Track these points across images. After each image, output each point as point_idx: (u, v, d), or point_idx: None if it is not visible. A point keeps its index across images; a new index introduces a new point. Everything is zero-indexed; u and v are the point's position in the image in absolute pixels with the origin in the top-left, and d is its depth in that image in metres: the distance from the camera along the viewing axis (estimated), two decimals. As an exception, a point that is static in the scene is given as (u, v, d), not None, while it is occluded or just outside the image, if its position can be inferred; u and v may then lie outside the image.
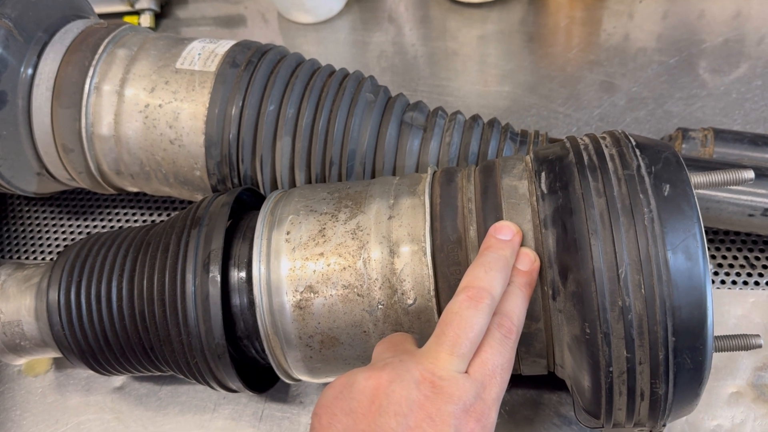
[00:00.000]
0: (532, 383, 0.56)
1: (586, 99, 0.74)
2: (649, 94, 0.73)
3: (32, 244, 0.72)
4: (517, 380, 0.56)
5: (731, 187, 0.56)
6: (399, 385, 0.36)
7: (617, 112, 0.72)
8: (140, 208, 0.73)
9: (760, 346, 0.44)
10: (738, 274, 0.60)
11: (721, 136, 0.61)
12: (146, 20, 0.87)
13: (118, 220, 0.73)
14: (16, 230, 0.73)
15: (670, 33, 0.80)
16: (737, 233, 0.62)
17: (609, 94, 0.74)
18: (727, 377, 0.55)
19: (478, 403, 0.37)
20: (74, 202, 0.74)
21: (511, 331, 0.40)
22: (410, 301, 0.45)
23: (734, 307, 0.58)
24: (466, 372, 0.38)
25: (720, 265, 0.61)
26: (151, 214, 0.72)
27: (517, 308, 0.40)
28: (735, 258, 0.61)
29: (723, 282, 0.60)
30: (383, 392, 0.36)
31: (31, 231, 0.73)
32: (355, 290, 0.46)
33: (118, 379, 0.61)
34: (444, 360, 0.37)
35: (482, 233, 0.44)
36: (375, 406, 0.36)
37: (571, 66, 0.77)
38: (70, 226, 0.73)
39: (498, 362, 0.39)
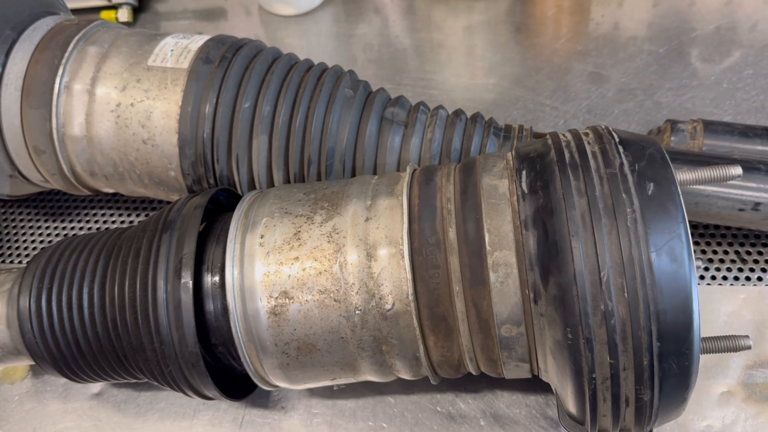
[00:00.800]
0: (518, 385, 0.54)
1: (573, 91, 0.72)
2: (638, 84, 0.71)
3: (8, 247, 0.70)
4: (502, 382, 0.54)
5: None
6: None
7: (605, 103, 0.70)
8: (117, 208, 0.71)
9: (749, 348, 0.43)
10: (729, 270, 0.59)
11: (711, 128, 0.59)
12: (124, 15, 0.85)
13: (96, 221, 0.71)
14: (-9, 233, 0.72)
15: (660, 21, 0.78)
16: (727, 228, 0.61)
17: (597, 86, 0.72)
18: (717, 376, 0.53)
19: None
20: (50, 203, 0.73)
21: None
22: (388, 306, 0.43)
23: (724, 304, 0.56)
24: None
25: (710, 261, 0.59)
26: (129, 215, 0.71)
27: None
28: (725, 253, 0.60)
29: (713, 278, 0.58)
30: None
31: (7, 234, 0.71)
32: (332, 295, 0.44)
33: (96, 386, 0.60)
34: None
35: (462, 235, 0.42)
36: None
37: (558, 57, 0.76)
38: (47, 228, 0.71)
39: None
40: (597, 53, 0.76)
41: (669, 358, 0.37)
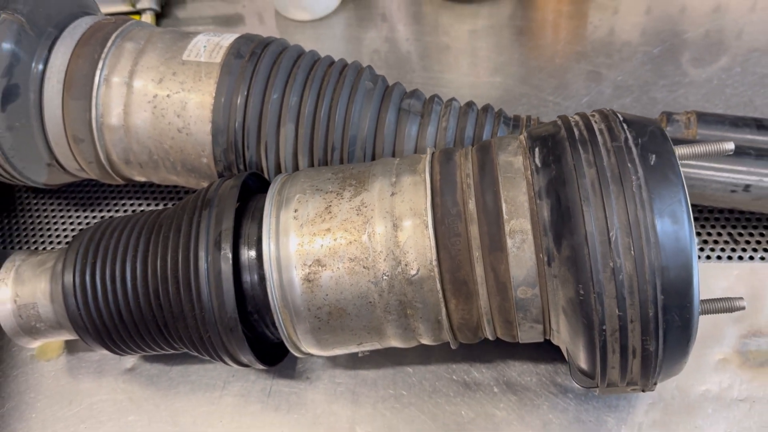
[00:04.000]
0: (528, 355, 0.58)
1: (574, 88, 0.77)
2: (634, 82, 0.76)
3: (41, 236, 0.74)
4: (514, 351, 0.58)
5: (714, 164, 0.59)
6: None
7: (604, 99, 0.75)
8: (146, 198, 0.75)
9: (743, 308, 0.47)
10: (722, 249, 0.63)
11: (704, 118, 0.64)
12: (147, 20, 0.90)
13: (125, 210, 0.75)
14: (24, 222, 0.75)
15: (653, 25, 0.84)
16: (721, 210, 0.65)
17: (596, 83, 0.77)
18: (713, 345, 0.58)
19: None
20: (82, 193, 0.77)
21: None
22: (413, 272, 0.47)
23: (719, 280, 0.61)
24: None
25: (705, 242, 0.64)
26: (157, 204, 0.75)
27: None
28: (719, 234, 0.64)
29: (708, 257, 0.63)
30: None
31: (39, 222, 0.75)
32: (361, 263, 0.48)
33: (129, 361, 0.63)
34: None
35: (480, 206, 0.46)
36: None
37: (559, 57, 0.81)
38: (78, 217, 0.75)
39: None
40: (595, 54, 0.80)
41: (672, 310, 0.41)
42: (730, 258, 0.62)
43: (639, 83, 0.76)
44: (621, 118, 0.46)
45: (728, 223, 0.65)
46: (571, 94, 0.76)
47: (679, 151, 0.46)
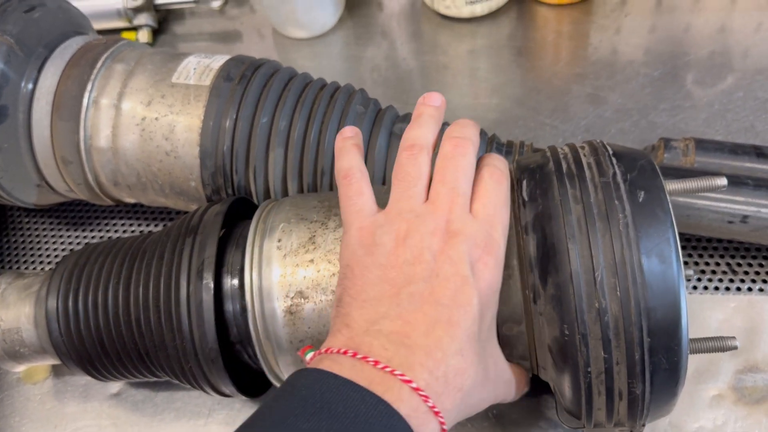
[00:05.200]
0: (518, 387, 0.57)
1: (572, 111, 0.76)
2: (634, 105, 0.75)
3: (31, 254, 0.74)
4: (504, 384, 0.57)
5: (710, 194, 0.58)
6: (418, 239, 0.41)
7: (603, 123, 0.74)
8: (137, 218, 0.75)
9: (735, 348, 0.45)
10: (720, 280, 0.62)
11: (702, 145, 0.63)
12: (144, 36, 0.89)
13: (116, 231, 0.74)
14: (15, 241, 0.75)
15: (656, 46, 0.82)
16: (719, 240, 0.64)
17: (595, 106, 0.76)
18: (708, 380, 0.56)
19: (488, 240, 0.42)
20: (73, 213, 0.76)
21: (502, 175, 0.45)
22: (397, 306, 0.46)
23: (716, 312, 0.59)
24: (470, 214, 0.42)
25: (702, 272, 0.62)
26: (147, 225, 0.74)
27: (499, 160, 0.46)
28: (717, 264, 0.63)
29: (705, 288, 0.61)
30: (405, 246, 0.41)
31: (30, 242, 0.75)
32: (344, 295, 0.47)
33: (115, 386, 0.62)
34: (451, 203, 0.42)
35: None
36: (401, 258, 0.41)
37: (558, 79, 0.79)
38: (69, 236, 0.75)
39: (497, 201, 0.43)
40: (595, 76, 0.79)
41: (659, 352, 0.40)
42: (727, 289, 0.61)
43: (639, 107, 0.74)
44: (610, 152, 0.45)
45: (726, 252, 0.63)
46: (569, 117, 0.75)
47: (670, 186, 0.45)
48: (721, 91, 0.75)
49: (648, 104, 0.75)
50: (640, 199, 0.42)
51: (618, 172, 0.43)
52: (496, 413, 0.56)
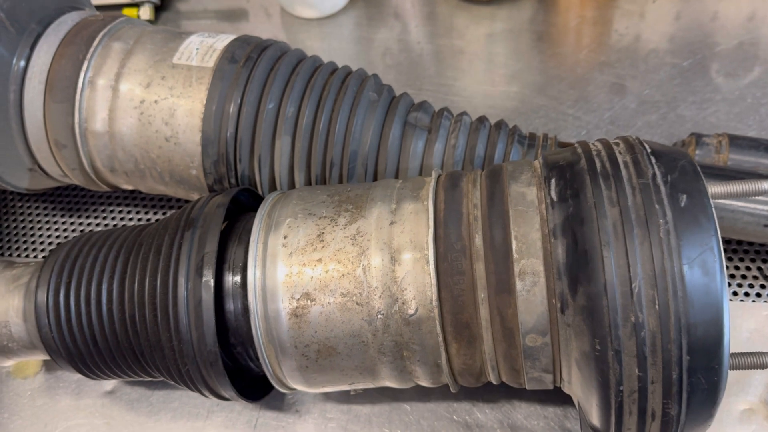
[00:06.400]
0: (536, 396, 0.54)
1: (596, 101, 0.72)
2: (661, 97, 0.71)
3: (24, 241, 0.70)
4: (520, 393, 0.54)
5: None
6: None
7: (628, 115, 0.70)
8: (135, 206, 0.71)
9: (776, 365, 0.42)
10: (751, 286, 0.58)
11: (736, 142, 0.59)
12: (146, 13, 0.85)
13: (113, 218, 0.71)
14: (8, 226, 0.72)
15: (683, 34, 0.78)
16: (751, 244, 0.60)
17: (620, 97, 0.72)
18: (738, 393, 0.53)
19: None
20: (68, 198, 0.73)
21: None
22: (411, 311, 0.43)
23: (747, 321, 0.56)
24: None
25: (732, 276, 0.59)
26: (146, 213, 0.71)
27: None
28: (748, 269, 0.59)
29: (735, 294, 0.58)
30: None
31: (23, 228, 0.71)
32: (354, 298, 0.44)
33: (109, 383, 0.59)
34: None
35: (488, 242, 0.42)
36: None
37: (581, 67, 0.75)
38: (63, 223, 0.71)
39: None
40: (620, 64, 0.75)
41: (698, 372, 0.37)
42: (758, 296, 0.57)
43: (666, 99, 0.70)
44: (648, 150, 0.41)
45: (758, 256, 0.59)
46: (592, 108, 0.71)
47: (712, 189, 0.41)
48: (753, 83, 0.71)
49: (676, 96, 0.71)
50: (682, 204, 0.38)
51: (658, 173, 0.39)
52: (511, 422, 0.53)
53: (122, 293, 0.49)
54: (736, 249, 0.60)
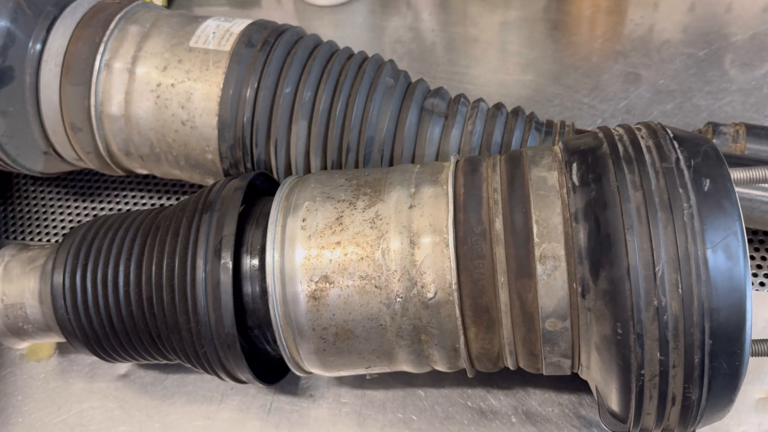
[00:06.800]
0: (551, 383, 0.54)
1: (611, 90, 0.71)
2: (676, 87, 0.71)
3: (37, 225, 0.70)
4: (535, 379, 0.54)
5: (764, 185, 0.54)
6: None
7: (643, 104, 0.69)
8: (149, 191, 0.71)
9: (797, 352, 0.42)
10: (766, 276, 0.58)
11: (754, 132, 0.59)
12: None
13: (126, 203, 0.71)
14: (21, 210, 0.72)
15: (697, 25, 0.78)
16: (765, 233, 0.60)
17: (635, 86, 0.71)
18: (754, 382, 0.53)
19: None
20: (81, 183, 0.73)
21: None
22: (430, 295, 0.43)
23: (762, 310, 0.56)
24: None
25: (748, 266, 0.58)
26: (159, 198, 0.71)
27: None
28: (763, 259, 0.59)
29: (751, 283, 0.57)
30: None
31: (36, 211, 0.71)
32: (373, 282, 0.44)
33: (123, 367, 0.59)
34: None
35: (508, 226, 0.42)
36: None
37: (596, 56, 0.75)
38: (76, 207, 0.71)
39: None
40: (634, 54, 0.75)
41: (720, 357, 0.37)
42: (775, 285, 0.57)
43: (682, 88, 0.70)
44: (671, 135, 0.41)
45: (774, 246, 0.59)
46: (607, 97, 0.70)
47: (735, 175, 0.41)
48: (767, 73, 0.71)
49: (692, 86, 0.70)
50: (706, 188, 0.38)
51: (681, 157, 0.39)
52: (526, 409, 0.53)
53: (140, 275, 0.49)
54: (752, 239, 0.60)
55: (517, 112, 0.58)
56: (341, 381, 0.56)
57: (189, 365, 0.50)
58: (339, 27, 0.83)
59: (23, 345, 0.56)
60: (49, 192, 0.73)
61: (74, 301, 0.51)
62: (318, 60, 0.56)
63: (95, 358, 0.59)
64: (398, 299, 0.43)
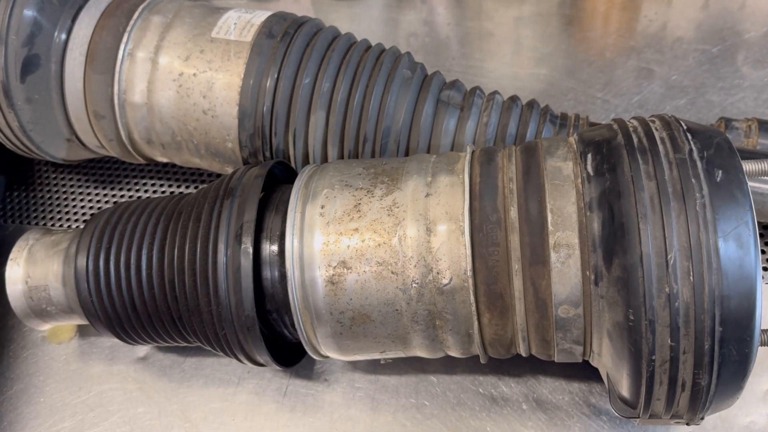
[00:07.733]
0: (561, 371, 0.55)
1: (624, 85, 0.72)
2: (689, 82, 0.71)
3: (58, 212, 0.72)
4: (546, 368, 0.55)
5: (776, 179, 0.54)
6: None
7: (656, 99, 0.70)
8: (168, 179, 0.72)
9: (806, 341, 0.43)
10: (775, 269, 0.59)
11: (766, 127, 0.59)
12: (178, -9, 0.86)
13: (146, 191, 0.72)
14: (42, 197, 0.73)
15: (711, 22, 0.78)
16: (777, 227, 0.61)
17: (648, 81, 0.72)
18: (762, 373, 0.53)
19: None
20: (102, 170, 0.74)
21: None
22: (445, 281, 0.44)
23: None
24: None
25: (758, 260, 0.59)
26: (179, 186, 0.72)
27: None
28: (774, 252, 0.60)
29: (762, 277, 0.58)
30: None
31: (57, 198, 0.73)
32: (390, 267, 0.45)
33: (142, 350, 0.61)
34: None
35: (523, 214, 0.43)
36: None
37: (609, 51, 0.76)
38: (97, 194, 0.72)
39: None
40: (648, 50, 0.76)
41: (730, 343, 0.38)
42: (784, 279, 0.58)
43: (695, 84, 0.71)
44: (685, 127, 0.42)
45: (785, 240, 0.60)
46: (621, 92, 0.71)
47: (746, 167, 0.42)
48: (780, 71, 0.72)
49: (705, 82, 0.71)
50: (718, 179, 0.39)
51: (694, 148, 0.40)
52: (536, 396, 0.54)
53: (162, 259, 0.50)
54: (762, 233, 0.61)
55: (532, 104, 0.59)
56: (355, 366, 0.57)
57: (209, 347, 0.52)
58: (355, 20, 0.84)
59: (46, 326, 0.57)
60: (71, 179, 0.74)
61: (97, 284, 0.52)
62: (337, 52, 0.57)
63: (115, 341, 0.61)
64: (414, 285, 0.44)
